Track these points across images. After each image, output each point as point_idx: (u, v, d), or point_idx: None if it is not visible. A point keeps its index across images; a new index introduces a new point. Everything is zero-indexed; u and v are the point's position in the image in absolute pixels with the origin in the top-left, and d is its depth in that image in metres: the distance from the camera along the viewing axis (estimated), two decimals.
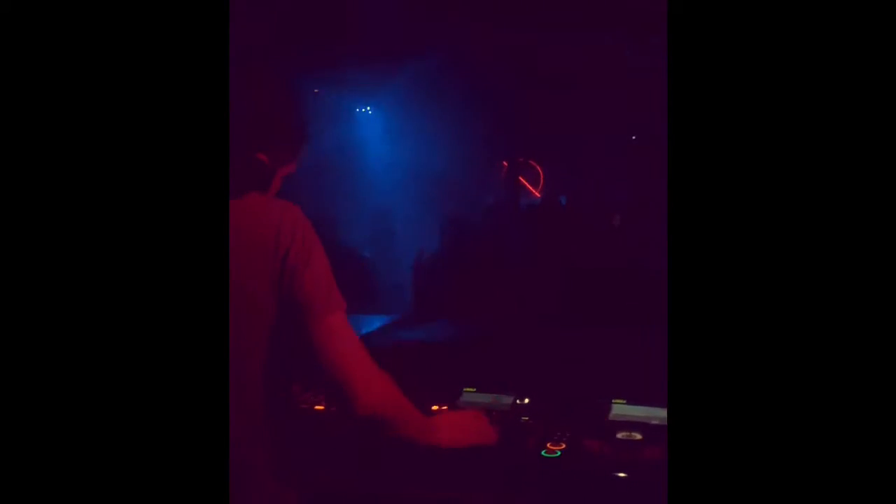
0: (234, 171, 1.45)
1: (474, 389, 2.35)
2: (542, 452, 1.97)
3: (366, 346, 1.58)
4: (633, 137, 3.24)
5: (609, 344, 2.46)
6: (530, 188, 3.33)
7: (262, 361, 1.54)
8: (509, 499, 1.91)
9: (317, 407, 2.26)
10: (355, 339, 1.55)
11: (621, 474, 1.88)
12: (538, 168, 3.36)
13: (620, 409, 2.20)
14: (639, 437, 2.02)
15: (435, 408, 2.20)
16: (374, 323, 3.01)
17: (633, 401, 2.22)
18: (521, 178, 3.35)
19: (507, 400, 2.29)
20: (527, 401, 2.28)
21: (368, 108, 6.93)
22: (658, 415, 2.11)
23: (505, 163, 3.30)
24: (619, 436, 2.04)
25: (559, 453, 1.96)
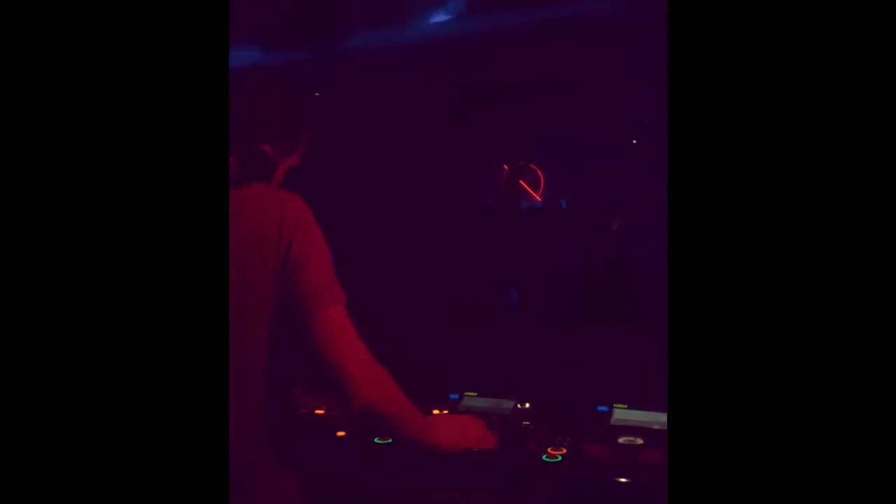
0: (239, 162, 1.46)
1: (475, 393, 2.35)
2: (544, 457, 1.96)
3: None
4: (634, 141, 3.23)
5: (611, 348, 2.46)
6: (531, 192, 3.33)
7: (262, 356, 1.54)
8: (510, 503, 1.91)
9: (317, 411, 2.26)
10: (354, 333, 1.54)
11: (623, 479, 1.88)
12: (539, 172, 3.36)
13: (622, 414, 2.20)
14: (640, 441, 2.02)
15: (436, 412, 2.19)
16: None
17: (634, 405, 2.21)
18: (521, 182, 3.35)
19: (508, 404, 2.28)
20: (528, 405, 2.28)
21: None
22: (659, 419, 2.10)
23: (505, 167, 3.30)
24: (621, 440, 2.03)
25: (560, 458, 1.95)
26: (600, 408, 2.23)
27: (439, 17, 3.10)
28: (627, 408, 2.22)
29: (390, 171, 3.13)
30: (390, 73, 3.10)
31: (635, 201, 3.06)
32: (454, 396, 2.35)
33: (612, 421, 2.17)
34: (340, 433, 2.13)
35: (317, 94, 3.05)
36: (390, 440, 2.04)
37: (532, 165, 3.43)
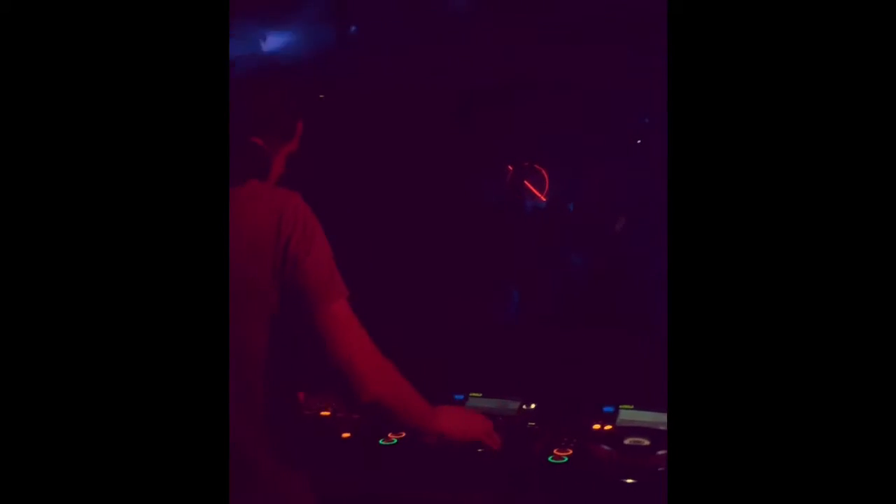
0: (233, 158, 1.43)
1: (480, 394, 2.35)
2: (550, 458, 1.95)
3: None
4: (639, 141, 3.23)
5: (617, 349, 2.45)
6: (535, 192, 3.32)
7: (265, 356, 1.53)
8: None
9: (322, 413, 2.25)
10: (359, 326, 1.53)
11: (629, 480, 1.87)
12: (543, 172, 3.35)
13: (628, 415, 2.19)
14: (646, 442, 2.01)
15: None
16: None
17: (640, 406, 2.21)
18: (526, 182, 3.34)
19: (513, 405, 2.28)
20: (533, 406, 2.27)
21: None
22: (666, 420, 2.09)
23: (510, 167, 3.30)
24: (627, 441, 2.02)
25: (566, 459, 1.95)
26: (606, 408, 2.22)
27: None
28: (634, 408, 2.21)
29: (393, 171, 3.13)
30: (393, 72, 3.11)
31: (640, 201, 3.06)
32: (459, 397, 2.34)
33: (618, 422, 2.16)
34: (345, 435, 2.13)
35: (321, 96, 3.05)
36: (395, 441, 2.04)
37: (536, 165, 3.42)
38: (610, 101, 3.12)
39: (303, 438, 1.64)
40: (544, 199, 3.39)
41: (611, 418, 2.18)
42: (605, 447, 1.97)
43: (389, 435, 2.08)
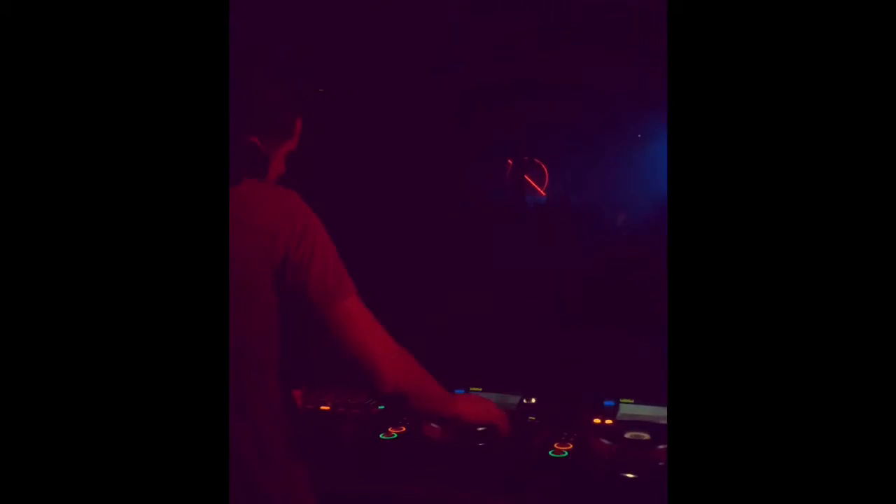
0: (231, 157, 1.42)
1: (480, 389, 2.35)
2: (550, 452, 1.96)
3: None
4: (639, 135, 3.22)
5: (617, 343, 2.45)
6: (536, 186, 3.32)
7: (265, 355, 1.53)
8: (517, 499, 1.90)
9: (322, 407, 2.26)
10: (372, 319, 1.54)
11: (629, 474, 1.87)
12: (543, 167, 3.34)
13: (628, 409, 2.19)
14: (647, 436, 2.01)
15: None
16: None
17: (640, 400, 2.21)
18: (526, 177, 3.34)
19: (513, 399, 2.28)
20: (533, 400, 2.27)
21: None
22: (666, 414, 2.09)
23: (510, 161, 3.29)
24: (627, 436, 2.02)
25: (567, 453, 1.95)
26: (607, 402, 2.23)
27: None
28: (634, 402, 2.21)
29: (391, 169, 3.13)
30: (394, 71, 3.10)
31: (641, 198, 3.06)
32: (459, 392, 2.34)
33: (619, 416, 2.16)
34: (346, 429, 2.13)
35: (321, 89, 3.04)
36: (395, 436, 2.04)
37: (536, 160, 3.42)
38: (610, 100, 3.13)
39: (304, 433, 1.64)
40: (544, 194, 3.38)
41: (611, 412, 2.18)
42: (606, 441, 1.97)
43: (389, 430, 2.09)
